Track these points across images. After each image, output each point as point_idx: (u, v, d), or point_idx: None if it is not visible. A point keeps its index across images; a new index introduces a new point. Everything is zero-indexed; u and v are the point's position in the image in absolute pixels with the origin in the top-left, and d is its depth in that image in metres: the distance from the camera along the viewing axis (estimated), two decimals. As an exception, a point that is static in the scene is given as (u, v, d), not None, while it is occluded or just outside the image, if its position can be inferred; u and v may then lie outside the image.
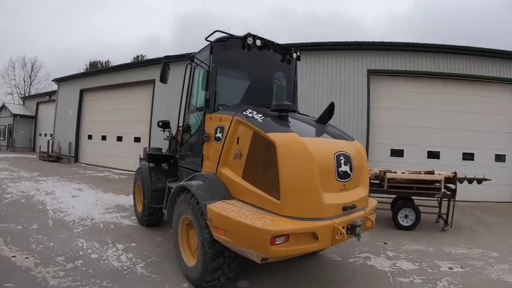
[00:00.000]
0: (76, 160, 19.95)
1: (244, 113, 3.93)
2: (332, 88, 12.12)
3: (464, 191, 10.13)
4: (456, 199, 7.37)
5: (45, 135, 25.98)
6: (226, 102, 4.75)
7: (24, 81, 46.87)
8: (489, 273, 5.26)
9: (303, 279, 4.63)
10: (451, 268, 5.44)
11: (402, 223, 7.66)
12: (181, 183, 4.38)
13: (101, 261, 4.64)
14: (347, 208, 3.58)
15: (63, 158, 19.71)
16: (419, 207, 7.66)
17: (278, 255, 3.25)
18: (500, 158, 11.75)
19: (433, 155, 11.86)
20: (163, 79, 5.77)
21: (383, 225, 7.96)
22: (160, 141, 10.02)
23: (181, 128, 5.70)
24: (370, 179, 5.45)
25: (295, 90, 5.62)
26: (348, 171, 3.71)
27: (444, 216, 7.75)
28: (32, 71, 47.37)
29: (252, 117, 3.78)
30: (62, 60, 53.69)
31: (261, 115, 3.79)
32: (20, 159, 19.82)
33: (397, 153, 12.03)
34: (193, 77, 5.43)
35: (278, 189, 3.26)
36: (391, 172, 7.82)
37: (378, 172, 8.07)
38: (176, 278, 4.27)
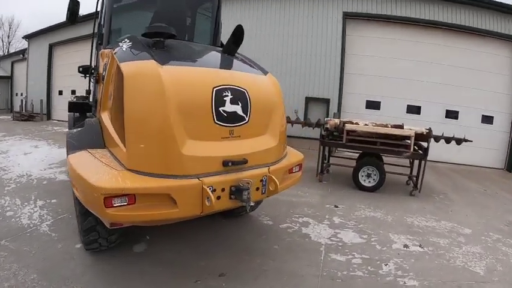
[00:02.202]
0: (49, 117, 19.21)
1: (120, 43, 3.24)
2: (308, 32, 10.92)
3: (444, 152, 9.09)
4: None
5: (21, 94, 24.66)
6: None
7: (3, 42, 43.94)
8: (454, 256, 3.93)
9: (210, 247, 3.87)
10: (406, 246, 4.12)
11: (363, 183, 6.34)
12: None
13: (13, 219, 4.35)
14: (229, 163, 2.71)
15: (35, 116, 18.97)
16: (386, 166, 6.44)
17: (123, 221, 2.60)
18: (487, 119, 10.41)
19: (413, 109, 10.61)
20: (72, 18, 4.43)
21: (342, 185, 6.70)
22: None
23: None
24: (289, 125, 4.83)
25: (217, 30, 4.87)
26: (240, 112, 2.90)
27: (415, 178, 6.37)
28: (10, 30, 44.00)
29: (121, 47, 3.12)
30: (41, 18, 49.65)
31: (131, 43, 3.12)
32: (-7, 121, 18.79)
33: (373, 105, 10.79)
34: (101, 9, 4.66)
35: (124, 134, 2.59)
36: (352, 123, 6.31)
37: (338, 122, 6.54)
38: (75, 238, 3.81)
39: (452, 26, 10.04)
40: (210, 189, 2.50)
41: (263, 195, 3.03)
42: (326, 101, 10.68)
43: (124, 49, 3.03)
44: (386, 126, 6.25)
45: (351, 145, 6.43)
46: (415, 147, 6.20)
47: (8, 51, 41.61)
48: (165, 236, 3.93)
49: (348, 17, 10.51)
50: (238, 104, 2.86)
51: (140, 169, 2.49)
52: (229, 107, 2.80)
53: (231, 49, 3.40)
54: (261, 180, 2.93)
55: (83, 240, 3.34)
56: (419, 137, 6.06)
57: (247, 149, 2.88)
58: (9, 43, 44.33)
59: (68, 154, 3.09)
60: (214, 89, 2.73)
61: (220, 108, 2.74)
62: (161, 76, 2.58)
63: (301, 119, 8.74)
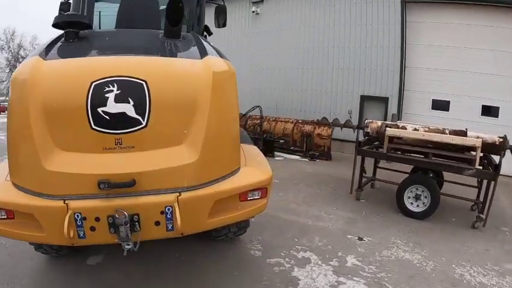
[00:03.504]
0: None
1: None
2: (356, 20, 9.39)
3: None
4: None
5: None
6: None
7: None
8: None
9: (164, 272, 3.25)
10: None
11: (409, 207, 4.76)
12: None
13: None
14: (106, 185, 2.02)
15: None
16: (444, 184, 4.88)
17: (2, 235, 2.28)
18: None
19: (489, 111, 8.33)
20: None
21: (384, 206, 5.18)
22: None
23: None
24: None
25: (200, 15, 4.01)
26: (131, 113, 2.10)
27: (481, 204, 4.54)
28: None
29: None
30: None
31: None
32: None
33: (440, 105, 8.81)
34: None
35: None
36: (396, 127, 4.81)
37: (380, 125, 5.07)
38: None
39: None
40: (77, 216, 2.00)
41: (170, 233, 2.17)
42: (384, 100, 8.98)
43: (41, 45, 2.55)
44: (442, 131, 4.58)
45: (393, 156, 4.90)
46: (484, 161, 4.42)
47: None
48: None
49: (408, 0, 8.70)
50: (129, 102, 2.06)
51: (17, 182, 2.19)
52: (113, 107, 2.04)
53: (170, 32, 2.58)
54: (163, 212, 2.10)
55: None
56: (489, 147, 4.26)
57: (138, 166, 2.09)
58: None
59: None
60: (93, 84, 2.04)
61: (100, 109, 2.03)
62: (29, 73, 2.10)
63: (356, 121, 7.48)
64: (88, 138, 2.04)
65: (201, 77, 2.28)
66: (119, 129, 2.06)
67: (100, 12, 3.91)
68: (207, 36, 4.25)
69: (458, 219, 4.76)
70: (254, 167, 2.65)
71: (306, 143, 9.06)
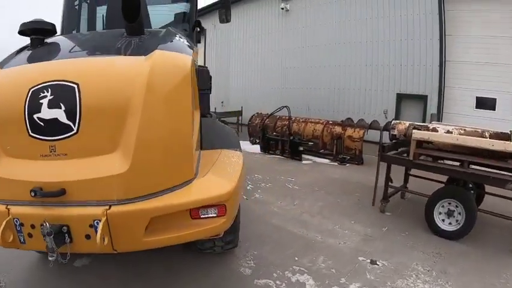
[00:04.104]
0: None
1: None
2: (390, 11, 8.58)
3: None
4: None
5: None
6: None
7: None
8: None
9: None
10: None
11: (439, 224, 4.04)
12: None
13: None
14: (37, 193, 1.91)
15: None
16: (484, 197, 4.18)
17: None
18: None
19: None
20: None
21: (412, 222, 4.47)
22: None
23: None
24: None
25: (191, 10, 3.83)
26: (63, 119, 1.96)
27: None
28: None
29: None
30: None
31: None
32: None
33: (486, 104, 7.78)
34: None
35: None
36: (425, 129, 4.12)
37: (407, 127, 4.39)
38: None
39: None
40: (16, 221, 1.98)
41: (102, 248, 1.93)
42: (422, 99, 8.06)
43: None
44: (481, 134, 3.80)
45: (421, 163, 4.18)
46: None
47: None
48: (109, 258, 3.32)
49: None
50: (60, 108, 1.96)
51: None
52: (46, 113, 1.96)
53: (130, 29, 2.42)
54: (92, 226, 1.95)
55: None
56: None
57: (69, 175, 1.96)
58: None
59: None
60: (31, 90, 1.99)
61: (36, 115, 1.96)
62: None
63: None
64: (26, 144, 1.99)
65: (136, 75, 2.00)
66: (52, 136, 1.96)
67: (103, 15, 3.98)
68: (201, 31, 3.96)
69: (498, 242, 3.90)
70: (212, 179, 2.24)
71: (336, 145, 8.38)
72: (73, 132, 1.95)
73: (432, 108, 7.90)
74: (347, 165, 8.00)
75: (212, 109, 13.54)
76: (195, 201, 2.06)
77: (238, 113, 12.45)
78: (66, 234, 1.94)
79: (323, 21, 9.98)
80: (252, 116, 10.53)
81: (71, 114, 1.94)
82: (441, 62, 7.86)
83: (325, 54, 10.06)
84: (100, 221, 1.89)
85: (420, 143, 4.21)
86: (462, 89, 7.89)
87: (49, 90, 1.97)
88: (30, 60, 2.28)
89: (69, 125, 1.95)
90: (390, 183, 4.79)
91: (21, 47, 2.50)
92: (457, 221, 3.87)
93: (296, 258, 3.48)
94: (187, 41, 2.71)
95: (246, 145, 10.31)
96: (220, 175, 2.32)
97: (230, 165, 2.56)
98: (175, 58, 2.14)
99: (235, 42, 13.91)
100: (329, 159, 8.47)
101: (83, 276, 3.13)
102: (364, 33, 9.07)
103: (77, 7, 3.99)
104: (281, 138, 8.91)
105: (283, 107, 9.09)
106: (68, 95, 1.95)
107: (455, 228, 3.86)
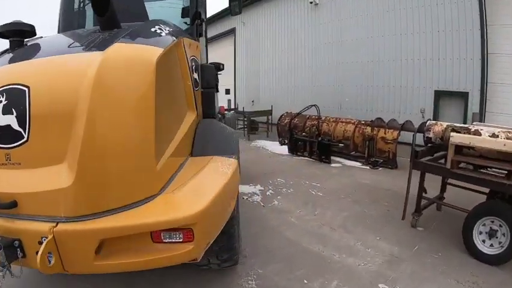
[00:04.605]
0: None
1: None
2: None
3: None
4: None
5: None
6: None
7: None
8: None
9: None
10: None
11: (478, 246, 3.43)
12: None
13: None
14: None
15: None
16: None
17: None
18: None
19: None
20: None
21: (448, 240, 3.88)
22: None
23: None
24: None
25: (192, 3, 3.65)
26: (15, 125, 1.85)
27: None
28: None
29: None
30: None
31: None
32: None
33: None
34: None
35: None
36: (466, 132, 3.54)
37: (445, 129, 3.83)
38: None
39: None
40: None
41: (53, 268, 1.75)
42: (463, 96, 7.17)
43: None
44: (533, 141, 3.15)
45: (460, 173, 3.59)
46: None
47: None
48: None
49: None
50: (12, 113, 1.86)
51: None
52: (1, 119, 1.87)
53: (102, 23, 2.34)
54: (40, 243, 1.74)
55: None
56: None
57: (20, 186, 1.84)
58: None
59: None
60: None
61: None
62: None
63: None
64: None
65: (85, 73, 1.82)
66: (6, 144, 1.88)
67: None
68: (202, 23, 3.81)
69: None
70: (180, 197, 1.93)
71: (368, 147, 7.76)
72: (23, 140, 1.84)
73: (474, 107, 7.01)
74: (380, 169, 7.36)
75: (240, 108, 13.39)
76: (153, 223, 1.78)
77: (268, 112, 12.09)
78: (18, 249, 1.79)
79: (357, 14, 9.32)
80: (282, 115, 10.17)
81: (21, 120, 1.84)
82: (483, 55, 6.94)
83: (357, 49, 9.42)
84: (46, 238, 1.70)
85: (459, 148, 3.62)
86: (506, 84, 6.90)
87: (4, 94, 1.89)
88: (2, 63, 2.20)
89: (20, 132, 1.84)
90: (424, 194, 4.23)
91: (5, 49, 2.47)
92: (499, 243, 3.25)
93: (305, 281, 3.09)
94: (172, 32, 2.46)
95: (274, 146, 9.97)
96: (193, 191, 2.01)
97: (214, 177, 2.23)
98: (134, 50, 1.92)
99: (264, 40, 13.57)
100: (360, 162, 7.87)
101: (77, 284, 3.00)
102: (398, 26, 8.29)
103: (76, 7, 3.94)
104: (309, 139, 8.45)
105: (312, 105, 8.62)
106: (19, 100, 1.85)
107: (497, 252, 3.25)
